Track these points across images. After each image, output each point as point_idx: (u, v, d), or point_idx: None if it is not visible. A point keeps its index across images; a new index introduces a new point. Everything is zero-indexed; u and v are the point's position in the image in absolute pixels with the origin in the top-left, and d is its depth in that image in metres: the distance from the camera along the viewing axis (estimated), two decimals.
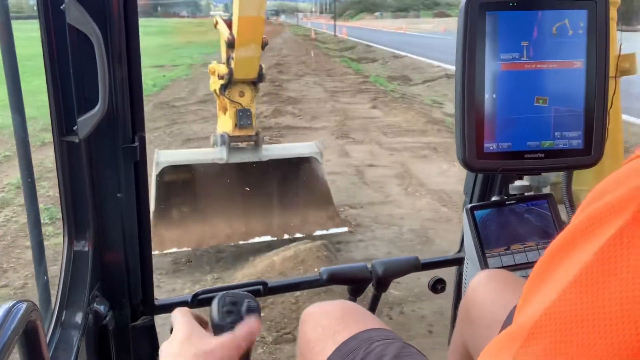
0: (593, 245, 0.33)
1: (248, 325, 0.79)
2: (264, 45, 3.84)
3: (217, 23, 4.11)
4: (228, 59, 3.89)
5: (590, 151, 1.32)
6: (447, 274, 1.84)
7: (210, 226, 3.93)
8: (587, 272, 0.32)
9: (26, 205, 1.28)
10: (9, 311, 0.76)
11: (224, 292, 0.85)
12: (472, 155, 1.30)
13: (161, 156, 3.87)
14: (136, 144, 1.26)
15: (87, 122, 1.14)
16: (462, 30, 1.27)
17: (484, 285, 1.22)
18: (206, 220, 3.95)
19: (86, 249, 1.26)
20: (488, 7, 1.26)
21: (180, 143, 7.25)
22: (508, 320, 1.07)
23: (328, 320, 1.06)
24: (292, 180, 4.20)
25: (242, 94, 4.02)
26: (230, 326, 0.79)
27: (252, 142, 4.06)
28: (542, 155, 1.32)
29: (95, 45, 1.10)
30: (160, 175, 3.79)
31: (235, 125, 3.97)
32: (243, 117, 3.96)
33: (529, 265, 1.43)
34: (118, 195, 1.28)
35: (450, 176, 5.74)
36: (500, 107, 1.30)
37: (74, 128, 1.15)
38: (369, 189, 5.50)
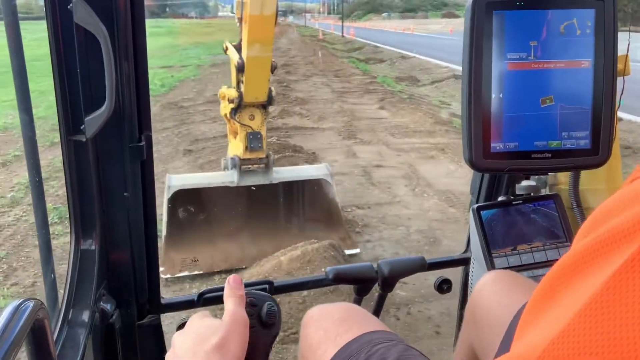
0: (602, 272, 0.32)
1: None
2: (273, 68, 3.91)
3: (227, 49, 4.16)
4: (238, 83, 3.96)
5: (597, 151, 1.31)
6: (454, 274, 1.84)
7: (222, 250, 3.96)
8: (597, 301, 0.31)
9: (34, 204, 1.29)
10: (16, 309, 0.77)
11: (245, 292, 0.81)
12: (478, 155, 1.30)
13: (173, 180, 3.92)
14: (143, 143, 1.26)
15: (94, 121, 1.15)
16: (468, 29, 1.26)
17: (489, 287, 1.21)
18: (217, 244, 3.98)
19: (93, 247, 1.26)
20: (495, 6, 1.26)
21: (188, 143, 7.28)
22: (513, 323, 1.06)
23: (330, 323, 1.06)
24: (303, 202, 4.25)
25: (252, 117, 4.07)
26: (250, 329, 0.75)
27: (263, 165, 4.09)
28: (549, 155, 1.31)
29: (103, 44, 1.11)
30: (172, 199, 3.84)
31: (246, 148, 4.01)
32: (254, 140, 4.01)
33: (536, 265, 1.43)
34: (125, 194, 1.28)
35: (458, 177, 5.73)
36: (507, 107, 1.29)
37: (81, 127, 1.16)
38: (376, 189, 5.49)
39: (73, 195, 1.23)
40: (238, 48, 3.98)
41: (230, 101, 3.98)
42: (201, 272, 3.78)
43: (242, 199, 4.10)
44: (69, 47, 1.12)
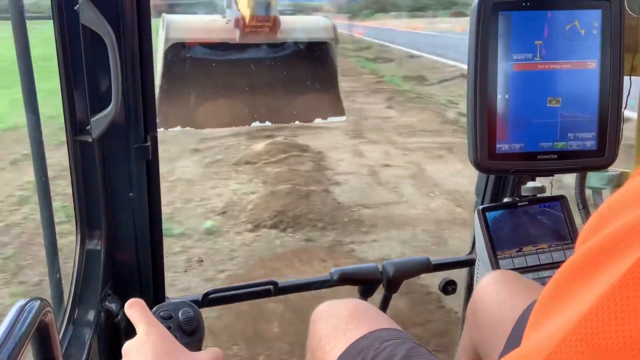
0: (616, 269, 0.31)
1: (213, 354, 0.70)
2: None
3: None
4: None
5: (604, 152, 1.30)
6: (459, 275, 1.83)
7: (216, 108, 3.79)
8: (611, 297, 0.30)
9: (40, 203, 1.30)
10: (22, 309, 0.77)
11: (155, 308, 0.76)
12: (483, 156, 1.29)
13: (171, 28, 3.64)
14: (148, 143, 1.27)
15: (100, 121, 1.16)
16: (474, 30, 1.26)
17: (491, 288, 1.21)
18: (212, 100, 3.81)
19: (98, 247, 1.27)
20: (500, 6, 1.25)
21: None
22: (517, 325, 1.06)
23: (339, 319, 1.06)
24: (304, 65, 4.04)
25: None
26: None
27: (267, 29, 3.84)
28: (555, 156, 1.31)
29: (109, 45, 1.11)
30: (169, 51, 3.62)
31: (252, 15, 3.75)
32: (261, 9, 3.74)
33: (541, 267, 1.42)
34: (130, 194, 1.29)
35: (466, 177, 5.71)
36: (512, 108, 1.29)
37: (87, 128, 1.16)
38: (383, 189, 5.48)
39: (79, 195, 1.24)
40: None
41: None
42: (194, 128, 3.73)
43: (242, 57, 3.90)
44: (75, 48, 1.13)
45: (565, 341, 0.32)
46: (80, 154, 1.21)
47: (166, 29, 3.64)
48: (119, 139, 1.24)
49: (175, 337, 0.73)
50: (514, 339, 1.05)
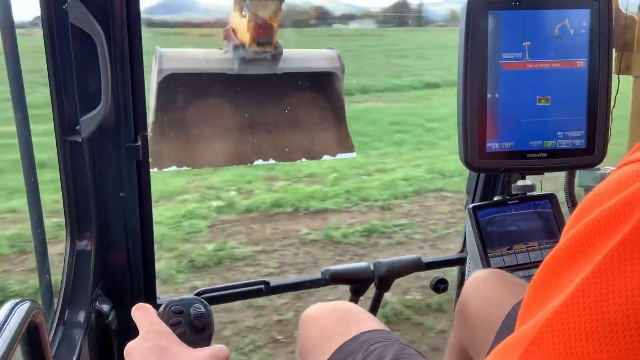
0: (596, 254, 0.32)
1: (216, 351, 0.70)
2: None
3: None
4: None
5: (593, 151, 1.31)
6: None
7: (213, 145, 3.58)
8: (590, 280, 0.31)
9: (29, 204, 1.28)
10: (11, 310, 0.77)
11: (166, 302, 0.77)
12: (474, 154, 1.30)
13: (164, 59, 3.41)
14: (139, 143, 1.26)
15: (89, 121, 1.15)
16: (464, 29, 1.26)
17: (478, 287, 1.21)
18: (209, 137, 3.59)
19: (89, 248, 1.26)
20: (490, 6, 1.26)
21: None
22: (505, 324, 1.06)
23: (327, 322, 1.06)
24: (308, 96, 3.79)
25: (264, 5, 3.51)
26: (182, 338, 0.71)
27: (269, 56, 3.57)
28: (545, 155, 1.32)
29: (98, 44, 1.10)
30: (163, 83, 3.38)
31: (253, 40, 3.50)
32: (263, 34, 3.48)
33: (532, 265, 1.43)
34: (120, 194, 1.28)
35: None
36: (502, 107, 1.29)
37: (77, 127, 1.15)
38: None
39: (68, 195, 1.23)
40: None
41: None
42: (190, 167, 3.52)
43: (241, 89, 3.66)
44: (64, 47, 1.11)
45: (549, 323, 0.33)
46: (69, 154, 1.20)
47: (159, 60, 3.40)
48: (109, 139, 1.23)
49: (185, 332, 0.73)
50: (502, 338, 1.05)
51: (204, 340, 0.75)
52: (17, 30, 1.15)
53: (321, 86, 3.79)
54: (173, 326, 0.73)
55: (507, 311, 1.08)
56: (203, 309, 0.75)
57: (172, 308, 0.75)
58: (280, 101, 3.78)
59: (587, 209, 0.36)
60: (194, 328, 0.74)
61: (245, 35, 3.57)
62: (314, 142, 3.80)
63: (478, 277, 1.24)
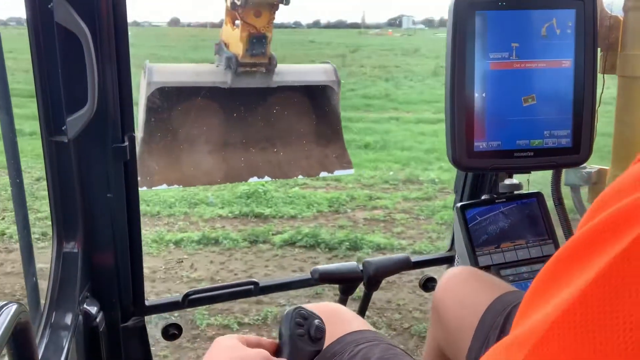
0: (612, 250, 0.31)
1: None
2: None
3: None
4: None
5: (579, 150, 1.33)
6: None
7: (205, 162, 3.47)
8: (607, 275, 0.31)
9: (15, 206, 1.27)
10: None
11: (296, 306, 0.86)
12: (462, 154, 1.31)
13: (154, 74, 3.29)
14: (126, 143, 1.25)
15: (76, 121, 1.13)
16: (451, 29, 1.27)
17: (451, 286, 1.21)
18: (201, 154, 3.48)
19: (76, 250, 1.25)
20: (477, 6, 1.27)
21: None
22: (481, 324, 1.06)
23: None
24: (303, 110, 3.71)
25: (258, 14, 3.40)
26: (299, 338, 0.81)
27: (263, 68, 3.49)
28: (532, 153, 1.33)
29: (84, 44, 1.10)
30: (152, 97, 3.28)
31: (247, 50, 3.41)
32: (257, 44, 3.38)
33: (519, 263, 1.44)
34: (108, 195, 1.27)
35: None
36: (489, 106, 1.30)
37: (63, 128, 1.14)
38: None
39: (55, 196, 1.22)
40: None
41: None
42: (180, 186, 3.39)
43: (233, 103, 3.54)
44: (49, 47, 1.10)
45: (559, 320, 0.32)
46: (55, 154, 1.18)
47: (148, 74, 3.25)
48: (96, 139, 1.22)
49: (304, 336, 0.82)
50: (480, 337, 1.05)
51: (314, 351, 0.84)
52: None
53: (317, 100, 3.69)
54: (297, 326, 0.82)
55: (484, 309, 1.08)
56: (322, 326, 0.85)
57: (300, 312, 0.84)
58: (274, 115, 3.71)
59: (606, 201, 0.35)
60: (310, 337, 0.83)
61: (237, 47, 3.47)
62: (311, 159, 3.73)
63: (451, 276, 1.24)
